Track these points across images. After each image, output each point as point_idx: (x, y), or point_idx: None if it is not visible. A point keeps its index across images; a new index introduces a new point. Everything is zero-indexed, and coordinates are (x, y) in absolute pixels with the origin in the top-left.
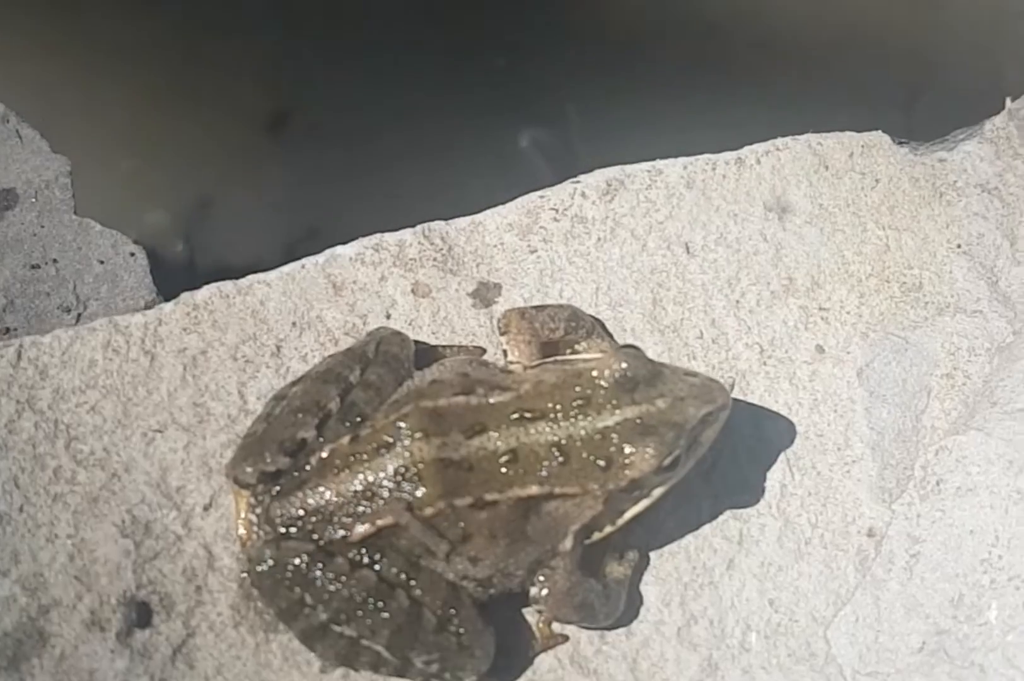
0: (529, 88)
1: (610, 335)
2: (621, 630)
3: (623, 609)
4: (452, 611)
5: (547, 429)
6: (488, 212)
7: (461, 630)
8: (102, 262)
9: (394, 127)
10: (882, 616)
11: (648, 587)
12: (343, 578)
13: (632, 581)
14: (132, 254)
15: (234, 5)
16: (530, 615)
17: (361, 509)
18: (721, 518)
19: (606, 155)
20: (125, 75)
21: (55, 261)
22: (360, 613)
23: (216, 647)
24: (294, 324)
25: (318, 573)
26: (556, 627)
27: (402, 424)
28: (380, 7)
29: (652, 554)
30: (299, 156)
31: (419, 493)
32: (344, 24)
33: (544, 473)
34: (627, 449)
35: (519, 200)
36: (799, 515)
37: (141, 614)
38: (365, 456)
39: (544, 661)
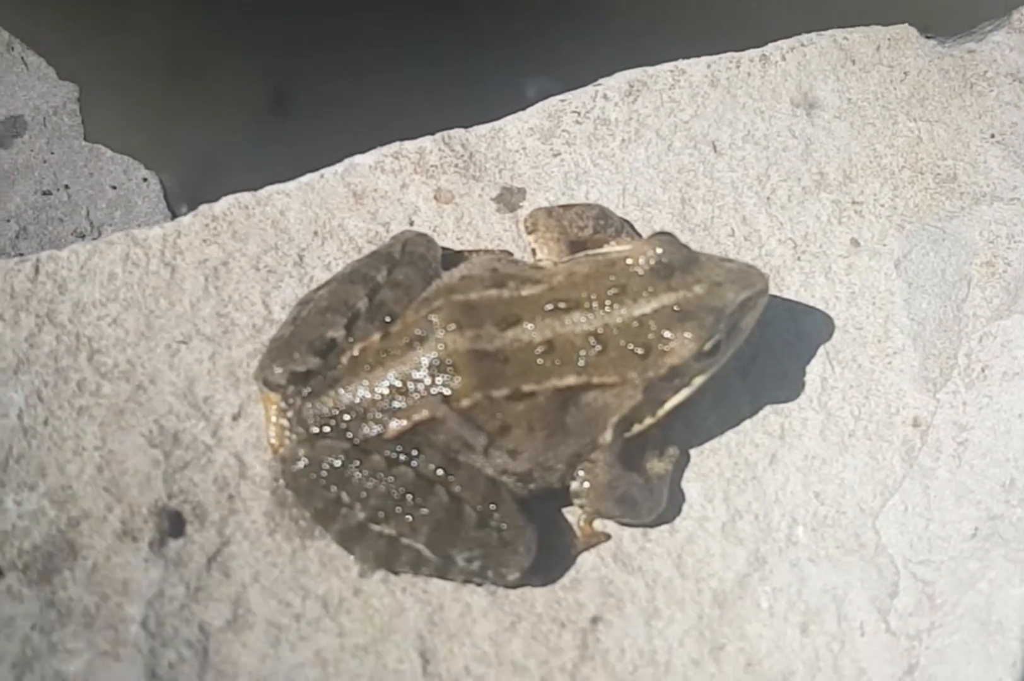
0: (531, 36)
1: (639, 235)
2: (664, 527)
3: (665, 504)
4: (492, 506)
5: (582, 319)
6: (508, 118)
7: (503, 525)
8: (115, 188)
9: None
10: (932, 504)
11: (690, 484)
12: (380, 475)
13: (674, 478)
14: (145, 179)
15: None
16: (571, 515)
17: (396, 405)
18: (761, 414)
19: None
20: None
21: (67, 187)
22: (398, 510)
23: (252, 555)
24: (316, 233)
25: (354, 471)
26: (598, 525)
27: (434, 318)
28: None
29: (692, 451)
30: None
31: (454, 385)
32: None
33: (581, 363)
34: (666, 335)
35: (539, 105)
36: (841, 408)
37: (174, 524)
38: (397, 351)
39: (587, 560)
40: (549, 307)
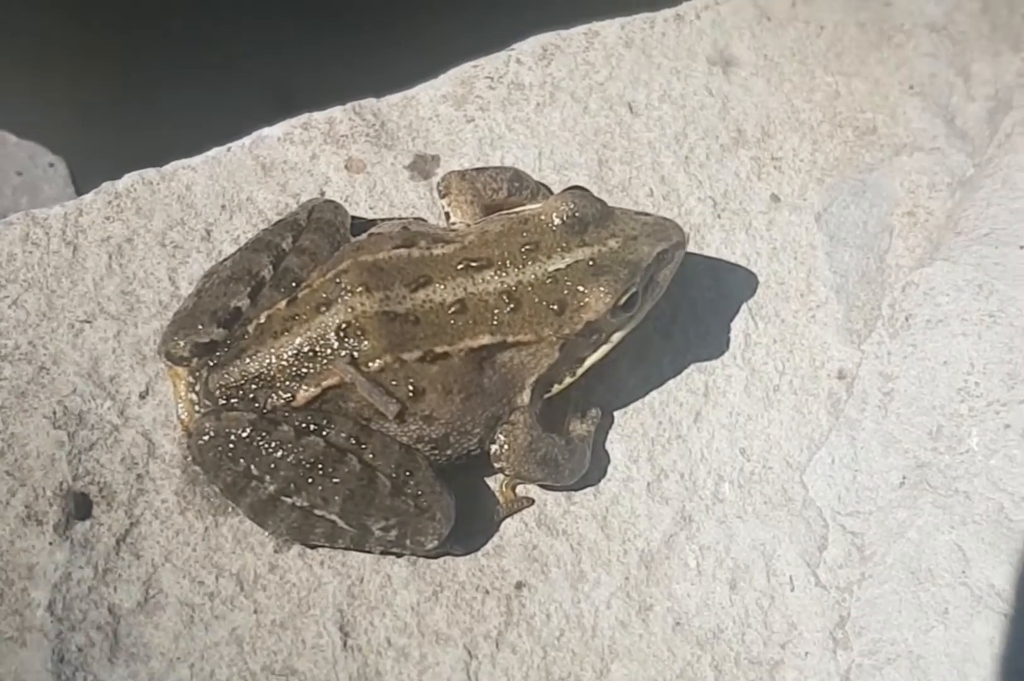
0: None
1: None
2: (588, 489)
3: (588, 466)
4: (407, 474)
5: (495, 277)
6: (420, 86)
7: (418, 492)
8: (20, 174)
9: None
10: (859, 456)
11: (613, 445)
12: (289, 446)
13: (597, 439)
14: (51, 164)
15: None
16: (493, 482)
17: (304, 371)
18: (685, 372)
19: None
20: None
21: None
22: (310, 481)
23: (163, 534)
24: (223, 207)
25: (262, 442)
26: (521, 490)
27: (341, 280)
28: None
29: (616, 413)
30: None
31: (363, 348)
32: None
33: (495, 322)
34: (580, 290)
35: (451, 71)
36: (765, 363)
37: (80, 505)
38: (304, 316)
39: (510, 525)
40: (461, 266)
